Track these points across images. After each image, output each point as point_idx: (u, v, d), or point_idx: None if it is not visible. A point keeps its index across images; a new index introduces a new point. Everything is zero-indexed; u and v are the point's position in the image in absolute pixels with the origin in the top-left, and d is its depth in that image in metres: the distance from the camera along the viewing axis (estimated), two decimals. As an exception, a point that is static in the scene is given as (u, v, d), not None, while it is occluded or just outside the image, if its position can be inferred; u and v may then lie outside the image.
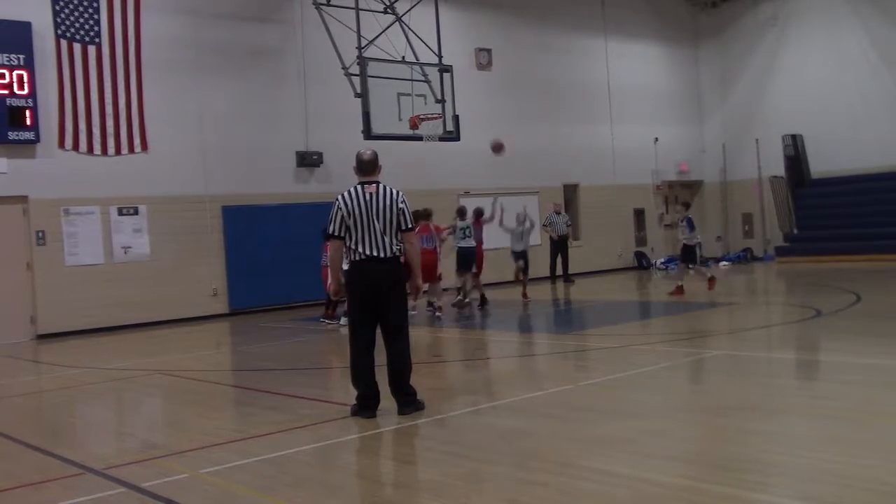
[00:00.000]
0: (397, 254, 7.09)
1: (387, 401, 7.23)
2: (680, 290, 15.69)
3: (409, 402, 7.18)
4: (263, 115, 18.53)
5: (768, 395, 7.55)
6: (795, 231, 24.74)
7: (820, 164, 24.93)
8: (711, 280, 16.18)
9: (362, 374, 7.16)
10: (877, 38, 23.96)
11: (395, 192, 7.10)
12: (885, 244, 20.51)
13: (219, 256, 17.84)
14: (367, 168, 7.18)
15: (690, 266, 16.57)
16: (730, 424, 6.54)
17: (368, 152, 7.28)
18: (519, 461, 5.75)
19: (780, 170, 25.52)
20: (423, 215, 14.19)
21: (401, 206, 7.04)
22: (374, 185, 7.10)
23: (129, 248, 16.78)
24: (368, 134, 15.93)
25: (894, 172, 22.91)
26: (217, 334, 15.63)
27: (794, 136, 25.15)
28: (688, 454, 5.78)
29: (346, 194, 7.12)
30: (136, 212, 16.92)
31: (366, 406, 7.15)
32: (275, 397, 8.60)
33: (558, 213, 20.54)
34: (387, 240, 7.00)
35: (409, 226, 7.11)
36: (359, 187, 7.11)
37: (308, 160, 19.06)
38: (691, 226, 16.03)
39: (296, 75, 19.01)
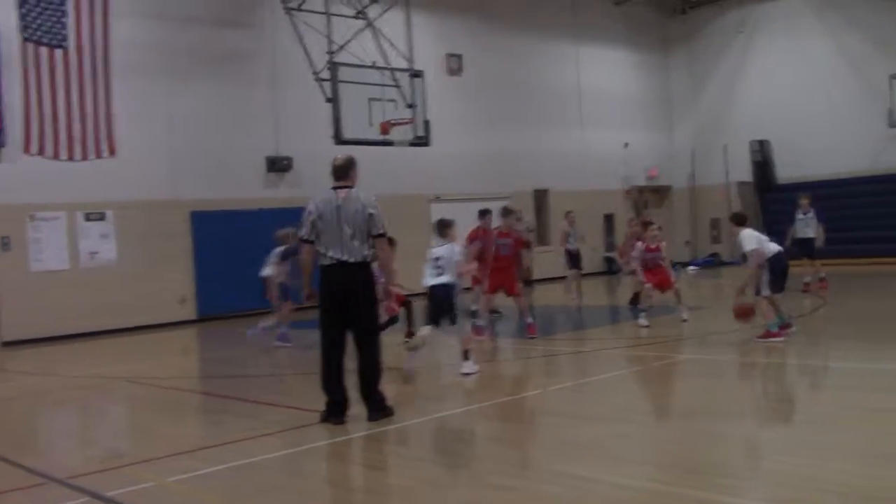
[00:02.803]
0: (367, 259, 7.05)
1: (357, 406, 7.18)
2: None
3: (378, 407, 7.14)
4: (233, 119, 18.38)
5: (737, 399, 7.60)
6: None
7: (786, 170, 25.23)
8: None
9: (332, 380, 7.11)
10: (842, 45, 24.29)
11: (366, 197, 7.07)
12: (851, 248, 20.76)
13: (187, 262, 17.66)
14: (339, 173, 7.16)
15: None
16: (699, 428, 6.57)
17: (341, 158, 7.26)
18: (488, 466, 5.73)
19: (747, 175, 25.80)
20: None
21: (371, 210, 7.00)
22: (346, 189, 7.07)
23: (96, 253, 16.57)
24: (339, 139, 15.86)
25: (859, 178, 23.25)
26: (185, 341, 15.47)
27: (761, 142, 25.44)
28: (657, 458, 5.79)
29: (317, 199, 7.11)
30: (102, 217, 16.71)
31: (335, 412, 7.09)
32: (243, 404, 8.51)
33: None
34: (356, 244, 6.96)
35: (381, 231, 7.07)
36: (331, 192, 7.10)
37: (278, 165, 18.95)
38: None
39: (266, 80, 18.89)
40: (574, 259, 17.92)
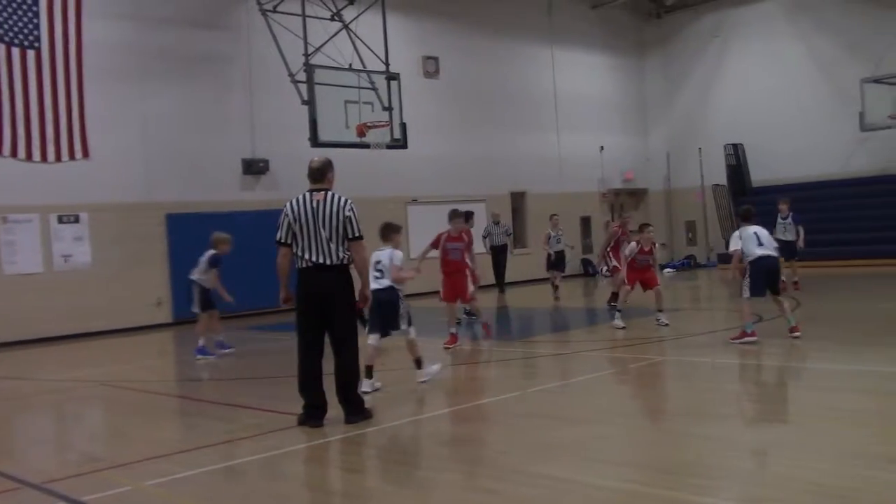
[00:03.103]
0: (344, 262, 7.04)
1: (335, 409, 7.17)
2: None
3: (356, 410, 7.13)
4: (209, 121, 18.30)
5: (712, 400, 7.67)
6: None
7: (760, 173, 25.49)
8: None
9: (309, 383, 7.09)
10: (814, 49, 24.59)
11: (342, 199, 7.05)
12: (824, 251, 20.99)
13: (163, 265, 17.54)
14: (315, 175, 7.15)
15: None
16: (676, 429, 6.62)
17: (317, 160, 7.25)
18: (467, 469, 5.75)
19: (722, 178, 26.02)
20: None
21: (347, 213, 6.98)
22: (323, 192, 7.05)
23: (70, 256, 16.42)
24: (315, 141, 15.84)
25: (832, 181, 23.53)
26: (161, 344, 15.37)
27: (735, 146, 25.68)
28: (635, 459, 5.84)
29: (293, 201, 7.08)
30: (76, 219, 16.57)
31: (313, 415, 7.08)
32: (221, 407, 8.48)
33: (497, 223, 20.57)
34: (333, 247, 6.94)
35: (356, 234, 7.05)
36: (307, 194, 7.07)
37: (254, 168, 18.88)
38: None
39: (242, 82, 18.82)
40: (558, 260, 18.71)
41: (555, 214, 19.51)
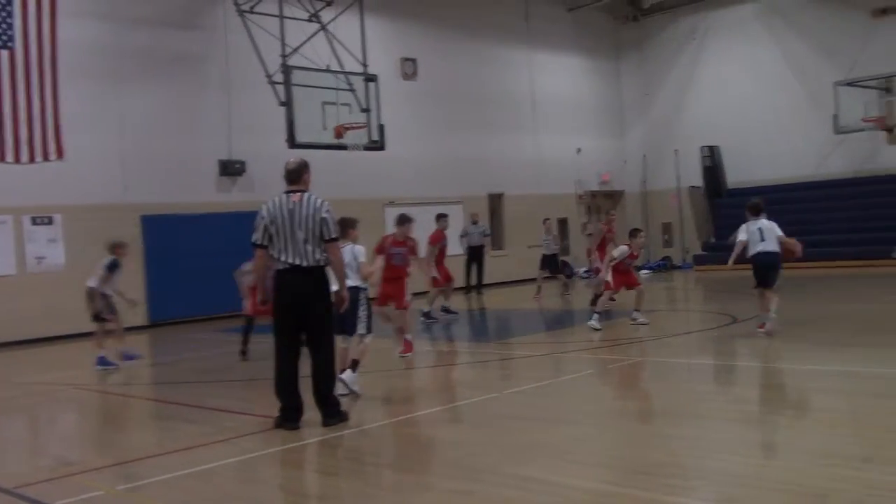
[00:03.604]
0: (321, 263, 7.02)
1: (312, 412, 7.14)
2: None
3: (332, 412, 7.11)
4: (185, 122, 18.18)
5: (689, 401, 7.72)
6: (713, 240, 25.35)
7: (736, 175, 25.68)
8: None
9: (286, 386, 7.06)
10: (789, 54, 24.81)
11: (319, 201, 7.03)
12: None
13: (138, 266, 17.38)
14: (292, 177, 7.12)
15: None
16: (651, 430, 6.66)
17: (293, 161, 7.23)
18: (445, 471, 5.74)
19: (698, 180, 26.21)
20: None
21: (324, 215, 6.96)
22: (299, 194, 7.02)
23: (43, 258, 16.25)
24: (292, 143, 15.78)
25: (806, 183, 23.75)
26: (136, 346, 15.21)
27: (711, 148, 25.85)
28: (610, 460, 5.86)
29: (270, 203, 7.06)
30: (50, 221, 16.40)
31: (289, 418, 7.05)
32: (196, 410, 8.42)
33: (475, 224, 20.62)
34: (309, 248, 6.92)
35: (333, 236, 7.03)
36: (283, 196, 7.05)
37: (231, 169, 18.77)
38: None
39: (218, 82, 18.71)
40: (549, 262, 19.28)
41: (547, 219, 20.46)
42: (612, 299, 13.31)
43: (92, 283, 11.77)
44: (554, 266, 19.52)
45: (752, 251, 10.94)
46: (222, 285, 17.35)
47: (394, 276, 11.10)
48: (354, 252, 8.30)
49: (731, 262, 11.24)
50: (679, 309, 16.85)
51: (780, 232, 10.98)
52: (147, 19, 17.74)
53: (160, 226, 17.59)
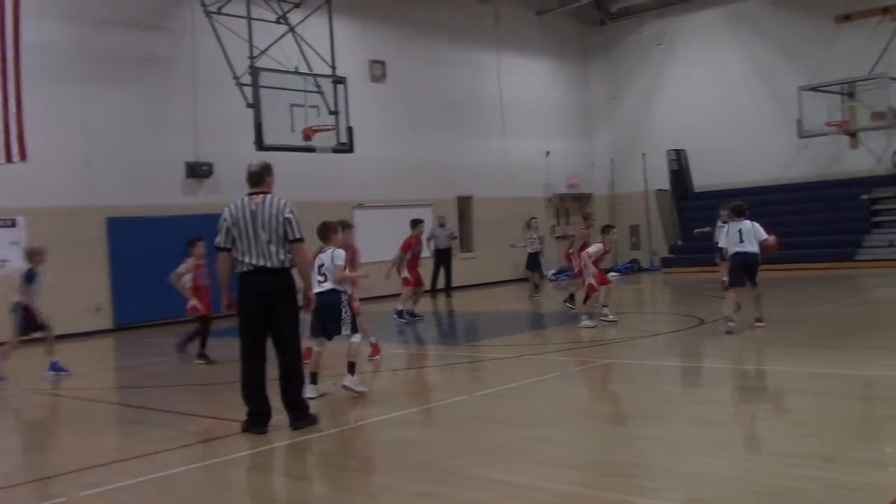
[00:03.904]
0: (286, 264, 6.96)
1: (280, 416, 7.09)
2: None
3: (301, 416, 7.07)
4: (151, 124, 18.00)
5: (656, 402, 7.77)
6: (679, 242, 25.59)
7: (702, 178, 25.94)
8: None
9: (252, 390, 7.00)
10: (754, 59, 25.13)
11: (282, 202, 6.98)
12: (764, 255, 21.40)
13: (103, 270, 17.20)
14: (253, 179, 7.09)
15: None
16: (619, 431, 6.69)
17: (255, 164, 7.20)
18: (413, 473, 5.73)
19: (665, 183, 26.44)
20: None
21: (287, 215, 6.91)
22: (261, 195, 6.99)
23: (6, 261, 15.97)
24: (260, 145, 15.68)
25: (772, 186, 24.04)
26: (100, 351, 15.06)
27: (678, 151, 26.09)
28: (579, 461, 5.88)
29: (232, 205, 7.02)
30: (13, 223, 16.15)
31: (256, 422, 6.99)
32: (161, 415, 8.33)
33: (442, 227, 20.64)
34: (273, 249, 6.87)
35: (297, 236, 6.96)
36: (245, 198, 7.01)
37: (198, 171, 18.62)
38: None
39: (185, 84, 18.54)
40: (533, 261, 19.91)
41: (533, 217, 21.04)
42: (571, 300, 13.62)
43: (18, 297, 11.28)
44: (536, 265, 19.87)
45: (730, 251, 11.47)
46: (189, 288, 17.25)
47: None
48: (333, 256, 8.29)
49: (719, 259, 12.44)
50: (647, 311, 16.96)
51: (763, 234, 11.41)
52: (113, 20, 17.55)
53: (126, 228, 17.39)
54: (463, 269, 22.42)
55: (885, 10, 22.66)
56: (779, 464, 5.37)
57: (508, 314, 16.98)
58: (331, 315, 8.22)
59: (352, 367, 8.37)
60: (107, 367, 13.22)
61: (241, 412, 7.11)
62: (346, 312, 8.31)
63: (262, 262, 6.86)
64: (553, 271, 25.40)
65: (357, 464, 6.29)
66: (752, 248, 11.30)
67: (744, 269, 11.34)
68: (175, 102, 18.40)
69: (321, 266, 8.30)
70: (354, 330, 8.44)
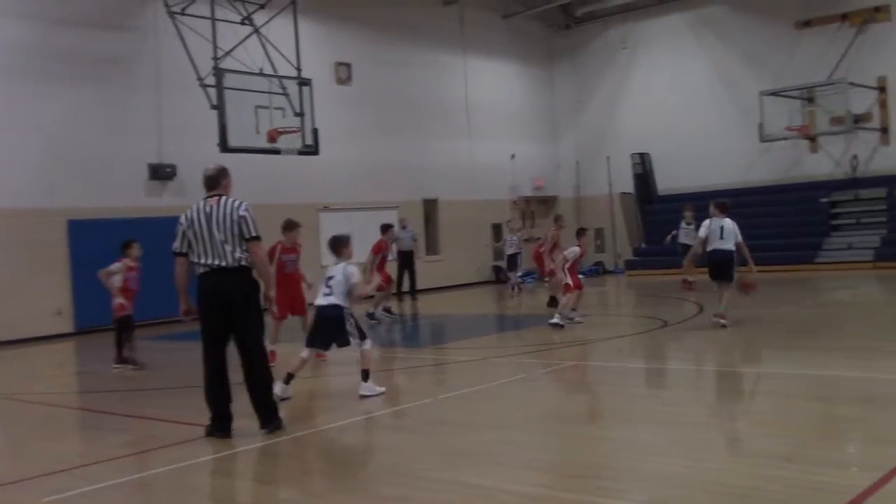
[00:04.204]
0: (243, 263, 6.85)
1: (243, 420, 7.03)
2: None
3: (271, 416, 6.96)
4: (113, 125, 17.78)
5: (621, 404, 7.83)
6: (644, 245, 25.83)
7: (666, 181, 26.20)
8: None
9: (215, 393, 6.92)
10: (717, 64, 25.43)
11: (236, 201, 6.92)
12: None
13: (64, 273, 16.95)
14: (209, 182, 7.05)
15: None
16: (585, 433, 6.73)
17: (211, 167, 7.17)
18: (379, 476, 5.72)
19: (629, 186, 26.65)
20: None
21: (242, 213, 6.83)
22: (216, 198, 6.94)
23: (-36, 264, 15.71)
24: (225, 146, 15.56)
25: (734, 189, 24.28)
26: (61, 355, 14.83)
27: (642, 155, 26.32)
28: (545, 463, 5.91)
29: (188, 210, 6.97)
30: (-29, 225, 15.88)
31: (220, 426, 6.91)
32: (123, 419, 8.24)
33: (404, 228, 20.65)
34: (228, 249, 6.79)
35: (252, 234, 6.86)
36: (201, 202, 6.97)
37: (161, 173, 18.43)
38: None
39: (148, 85, 18.35)
40: (511, 261, 20.66)
41: (510, 220, 21.80)
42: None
43: None
44: (514, 266, 20.60)
45: (709, 247, 11.80)
46: (152, 292, 17.05)
47: (289, 284, 10.92)
48: (346, 273, 8.17)
49: (690, 258, 12.67)
50: (611, 313, 17.08)
51: (739, 236, 11.83)
52: (73, 20, 17.32)
53: (87, 231, 17.15)
54: (428, 271, 22.43)
55: (843, 17, 23.06)
56: (741, 464, 5.44)
57: (474, 317, 17.01)
58: (335, 328, 8.16)
59: (366, 375, 8.34)
60: (68, 372, 13.03)
61: (203, 416, 7.05)
62: (350, 324, 8.23)
63: (217, 262, 6.77)
64: (520, 274, 25.46)
65: (322, 467, 6.26)
66: (730, 246, 11.69)
67: (720, 265, 11.77)
68: (137, 103, 18.20)
69: (329, 279, 8.20)
70: (363, 337, 8.35)
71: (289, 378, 8.23)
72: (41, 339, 16.22)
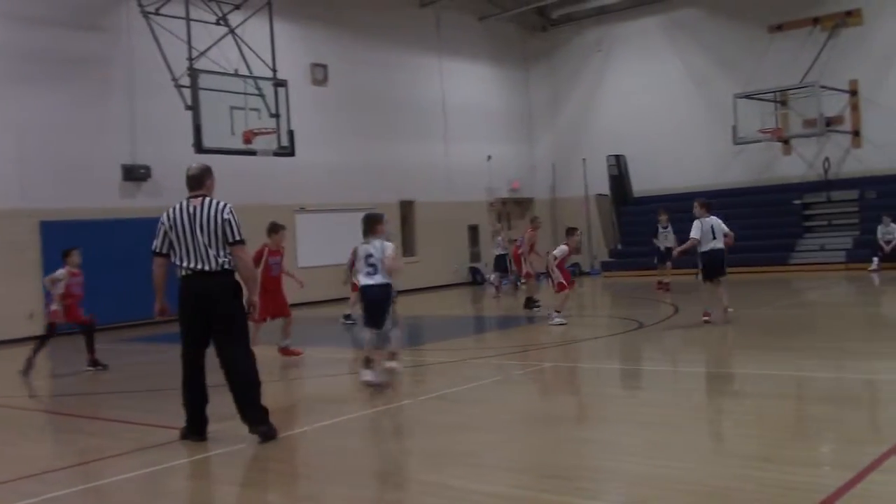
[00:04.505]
0: (227, 267, 6.76)
1: (220, 423, 6.96)
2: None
3: (261, 421, 6.74)
4: (86, 125, 17.60)
5: (598, 405, 7.85)
6: (619, 247, 25.95)
7: (641, 183, 26.34)
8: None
9: (193, 396, 6.84)
10: (690, 67, 25.62)
11: (220, 203, 6.81)
12: (696, 259, 21.81)
13: (36, 275, 16.73)
14: (192, 183, 6.93)
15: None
16: (561, 434, 6.73)
17: (195, 167, 7.04)
18: (358, 479, 5.69)
19: (605, 188, 26.77)
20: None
21: (226, 216, 6.72)
22: (200, 198, 6.82)
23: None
24: (200, 147, 15.45)
25: (708, 191, 24.37)
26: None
27: (617, 157, 26.45)
28: (522, 464, 5.90)
29: (170, 210, 6.85)
30: (-60, 227, 15.66)
31: (195, 430, 6.83)
32: (96, 423, 8.15)
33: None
34: (212, 252, 6.67)
35: (236, 238, 6.77)
36: (184, 202, 6.85)
37: (135, 174, 18.26)
38: None
39: (122, 85, 18.19)
40: (499, 262, 21.15)
41: (499, 221, 22.44)
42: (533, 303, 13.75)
43: None
44: (503, 266, 20.93)
45: (704, 248, 12.13)
46: (125, 294, 16.94)
47: (275, 287, 11.06)
48: (383, 247, 8.52)
49: (678, 254, 13.13)
50: (587, 314, 17.13)
51: (725, 228, 12.25)
52: (45, 19, 17.14)
53: (60, 232, 16.93)
54: (404, 273, 22.33)
55: (815, 21, 23.32)
56: (717, 464, 5.46)
57: (451, 318, 17.00)
58: (383, 309, 8.55)
59: (393, 355, 8.84)
60: (39, 375, 12.86)
61: (178, 419, 6.98)
62: (391, 307, 8.61)
63: (200, 266, 6.66)
64: (495, 275, 25.47)
65: (300, 470, 6.22)
66: (722, 244, 12.13)
67: (719, 263, 12.16)
68: (111, 104, 18.03)
69: (369, 257, 8.48)
70: (394, 323, 8.76)
71: (367, 363, 8.60)
72: (12, 342, 16.00)
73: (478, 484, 5.30)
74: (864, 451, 5.41)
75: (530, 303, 15.68)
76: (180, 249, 6.72)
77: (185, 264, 6.71)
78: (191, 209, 6.76)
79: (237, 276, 6.87)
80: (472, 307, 19.55)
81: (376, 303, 8.49)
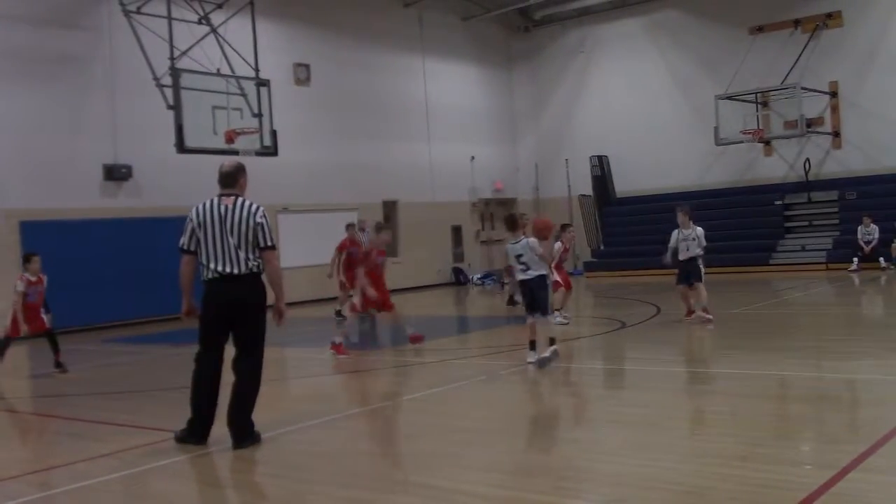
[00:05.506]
0: (255, 270, 6.55)
1: (217, 428, 6.90)
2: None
3: (245, 434, 6.62)
4: (67, 125, 17.49)
5: (580, 405, 7.89)
6: (602, 247, 26.05)
7: (624, 184, 26.45)
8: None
9: (203, 393, 6.61)
10: (673, 67, 25.75)
11: (254, 206, 6.63)
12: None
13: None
14: (226, 180, 6.71)
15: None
16: (544, 434, 6.77)
17: (228, 164, 6.83)
18: (341, 480, 5.69)
19: (588, 189, 26.85)
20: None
21: (259, 220, 6.55)
22: (232, 197, 6.63)
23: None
24: (181, 147, 15.40)
25: (690, 192, 24.61)
26: (13, 358, 14.49)
27: (600, 157, 26.54)
28: (506, 464, 5.92)
29: (199, 206, 6.61)
30: (-81, 227, 15.51)
31: (196, 432, 6.66)
32: (78, 424, 8.10)
33: (363, 231, 20.58)
34: (241, 255, 6.46)
35: (269, 243, 6.55)
36: (215, 199, 6.63)
37: (116, 173, 18.15)
38: None
39: (103, 84, 18.08)
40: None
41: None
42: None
43: None
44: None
45: (682, 256, 12.59)
46: (106, 294, 16.86)
47: (379, 281, 11.94)
48: (530, 245, 9.35)
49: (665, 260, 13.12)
50: (570, 314, 17.17)
51: (704, 242, 12.78)
52: (25, 17, 17.02)
53: (40, 232, 16.83)
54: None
55: (796, 23, 23.49)
56: (698, 463, 5.51)
57: (434, 318, 17.00)
58: (544, 297, 9.46)
59: (552, 341, 9.49)
60: (21, 376, 12.78)
61: (165, 420, 6.95)
62: (549, 294, 9.55)
63: (228, 269, 6.45)
64: (479, 275, 25.55)
65: (283, 471, 6.21)
66: (696, 253, 12.58)
67: (684, 272, 12.61)
68: (92, 103, 17.92)
69: (519, 257, 9.42)
70: (548, 311, 9.60)
71: (532, 345, 9.45)
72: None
73: (461, 484, 5.32)
74: (844, 450, 5.46)
75: (512, 301, 15.70)
76: (207, 250, 6.50)
77: (212, 266, 6.49)
78: (222, 209, 6.55)
79: (264, 279, 6.65)
80: (454, 307, 19.56)
81: (534, 291, 9.47)
